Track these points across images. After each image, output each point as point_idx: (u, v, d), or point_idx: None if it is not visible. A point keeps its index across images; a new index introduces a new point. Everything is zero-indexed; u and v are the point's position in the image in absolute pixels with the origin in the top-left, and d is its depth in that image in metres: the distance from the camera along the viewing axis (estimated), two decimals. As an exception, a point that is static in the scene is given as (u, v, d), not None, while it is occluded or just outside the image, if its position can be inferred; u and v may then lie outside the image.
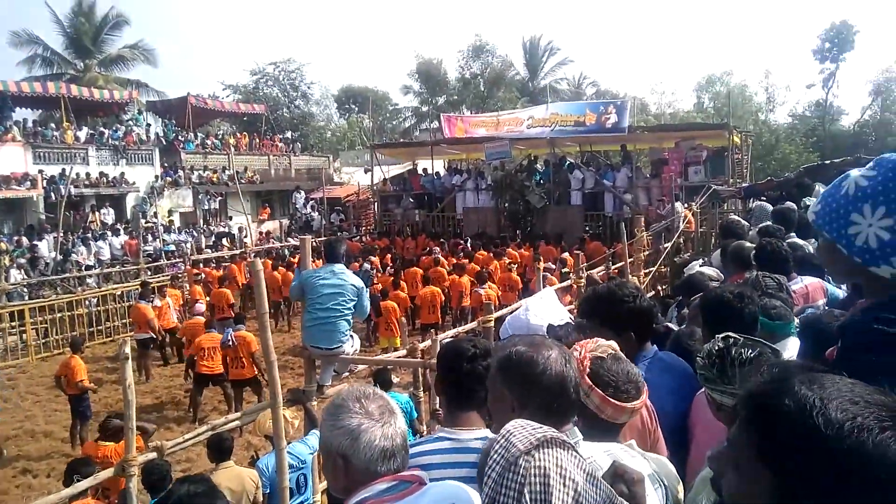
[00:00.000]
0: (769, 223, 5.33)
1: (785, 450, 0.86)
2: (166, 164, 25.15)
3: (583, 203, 18.50)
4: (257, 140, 30.47)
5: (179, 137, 27.07)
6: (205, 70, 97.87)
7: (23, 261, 16.29)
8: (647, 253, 11.31)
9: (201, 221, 24.18)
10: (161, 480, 4.45)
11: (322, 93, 47.41)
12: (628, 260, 8.87)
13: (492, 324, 5.86)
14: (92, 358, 12.31)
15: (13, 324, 13.37)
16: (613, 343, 1.87)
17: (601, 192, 18.23)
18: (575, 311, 5.99)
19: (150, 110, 30.10)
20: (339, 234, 21.95)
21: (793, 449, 0.85)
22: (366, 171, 24.63)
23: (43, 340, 13.70)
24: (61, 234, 17.13)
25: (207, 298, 13.24)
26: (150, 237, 19.97)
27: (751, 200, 11.04)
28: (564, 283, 8.58)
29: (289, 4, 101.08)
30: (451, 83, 46.20)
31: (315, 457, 5.13)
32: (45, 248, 17.41)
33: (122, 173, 23.06)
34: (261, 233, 23.39)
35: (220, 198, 25.50)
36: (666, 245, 10.95)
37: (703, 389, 2.06)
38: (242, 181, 24.88)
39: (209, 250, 19.57)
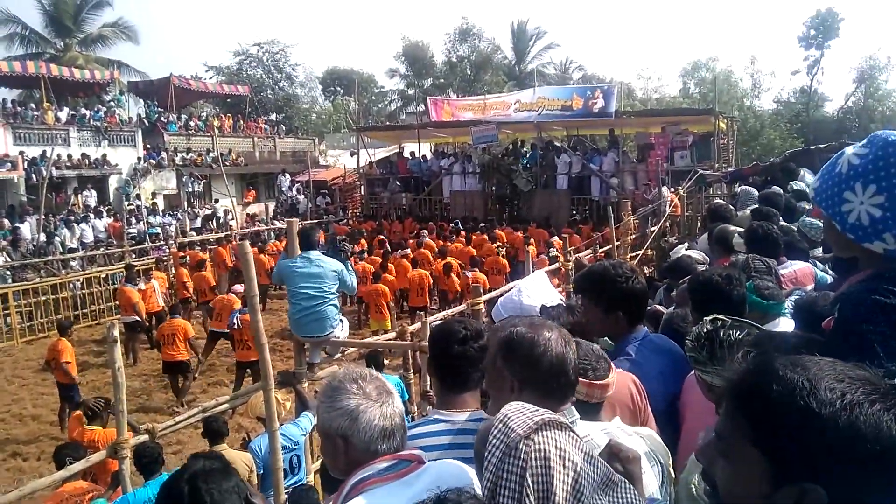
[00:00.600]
0: (764, 206, 5.35)
1: (780, 434, 0.86)
2: (149, 146, 24.74)
3: (569, 187, 18.54)
4: (241, 122, 30.08)
5: (162, 119, 26.65)
6: (187, 51, 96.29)
7: (4, 243, 16.06)
8: (633, 236, 11.41)
9: (185, 204, 23.88)
10: (153, 463, 4.45)
11: (307, 74, 46.83)
12: (615, 243, 8.95)
13: (481, 306, 5.90)
14: (78, 341, 12.17)
15: (-3, 307, 13.22)
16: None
17: (588, 176, 18.27)
18: (563, 291, 6.06)
19: (131, 91, 29.63)
20: (325, 217, 21.89)
21: (788, 432, 0.85)
22: (352, 154, 24.45)
23: (28, 324, 13.56)
24: (43, 217, 16.89)
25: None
26: (133, 220, 19.73)
27: (736, 185, 11.14)
28: (553, 266, 8.64)
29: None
30: (438, 66, 45.85)
31: (307, 438, 5.17)
32: (28, 230, 17.16)
33: (104, 155, 22.65)
34: (247, 215, 23.21)
35: (204, 180, 25.15)
36: (653, 229, 11.07)
37: (693, 371, 2.09)
38: (227, 163, 24.58)
39: (194, 233, 19.40)
